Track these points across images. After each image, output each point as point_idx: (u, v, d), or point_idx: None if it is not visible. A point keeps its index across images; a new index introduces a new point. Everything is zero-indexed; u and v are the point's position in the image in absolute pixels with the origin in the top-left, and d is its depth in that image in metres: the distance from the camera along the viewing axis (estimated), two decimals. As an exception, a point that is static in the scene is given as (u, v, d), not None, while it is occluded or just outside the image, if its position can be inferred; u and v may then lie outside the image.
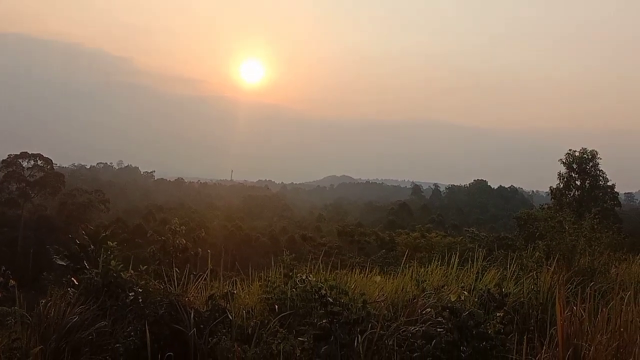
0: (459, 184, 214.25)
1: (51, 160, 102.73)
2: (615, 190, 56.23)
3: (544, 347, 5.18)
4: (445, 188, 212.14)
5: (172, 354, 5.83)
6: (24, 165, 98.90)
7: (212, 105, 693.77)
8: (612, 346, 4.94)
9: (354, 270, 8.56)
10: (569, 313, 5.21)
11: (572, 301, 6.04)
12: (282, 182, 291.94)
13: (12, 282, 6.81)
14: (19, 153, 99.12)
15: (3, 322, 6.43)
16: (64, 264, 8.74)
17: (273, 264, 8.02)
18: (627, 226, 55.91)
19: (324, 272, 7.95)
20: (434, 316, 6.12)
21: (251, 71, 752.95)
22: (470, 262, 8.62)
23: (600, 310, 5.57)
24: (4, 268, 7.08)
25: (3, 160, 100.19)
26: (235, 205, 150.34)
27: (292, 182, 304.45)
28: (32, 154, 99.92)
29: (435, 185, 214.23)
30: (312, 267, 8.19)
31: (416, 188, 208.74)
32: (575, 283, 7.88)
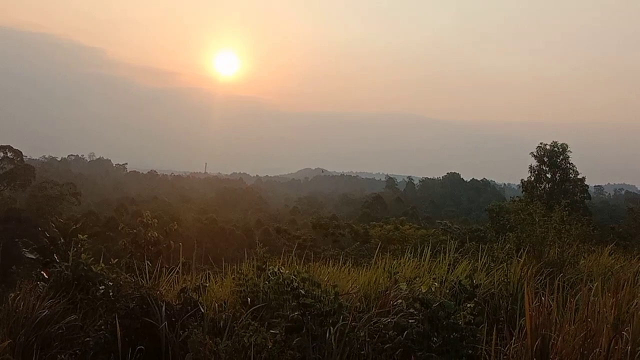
0: (432, 177, 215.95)
1: (21, 152, 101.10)
2: (585, 183, 57.11)
3: (514, 338, 5.24)
4: (419, 181, 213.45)
5: (143, 347, 5.80)
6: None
7: (186, 97, 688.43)
8: (579, 336, 5.02)
9: (327, 263, 8.58)
10: (537, 304, 5.28)
11: (541, 292, 6.12)
12: (256, 175, 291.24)
13: (-21, 276, 6.70)
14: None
15: (-30, 317, 6.32)
16: (34, 257, 8.60)
17: (246, 257, 8.00)
18: (597, 218, 56.85)
19: (297, 265, 7.95)
20: (405, 307, 6.17)
21: (226, 64, 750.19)
22: (442, 254, 8.69)
23: (568, 301, 5.66)
24: (-29, 262, 6.97)
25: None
26: (209, 198, 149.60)
27: (266, 175, 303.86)
28: (1, 145, 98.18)
29: (409, 178, 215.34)
30: (286, 260, 8.19)
31: (390, 181, 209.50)
32: (544, 274, 7.99)
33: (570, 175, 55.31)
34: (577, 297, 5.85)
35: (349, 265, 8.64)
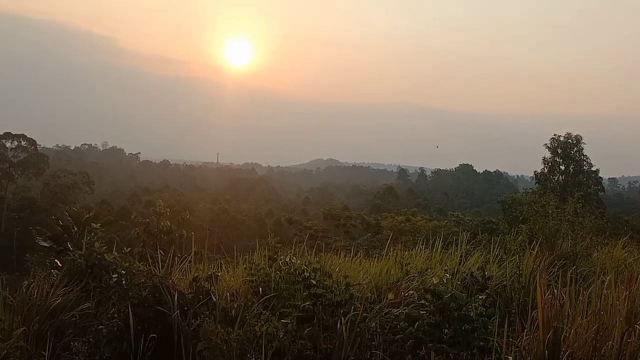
0: (444, 168, 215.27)
1: (35, 141, 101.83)
2: (599, 175, 56.74)
3: (525, 330, 5.23)
4: (431, 172, 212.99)
5: (155, 335, 5.83)
6: (7, 146, 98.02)
7: (199, 86, 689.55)
8: (591, 329, 5.00)
9: (339, 254, 8.58)
10: (550, 296, 5.26)
11: (553, 284, 6.10)
12: (268, 165, 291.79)
13: (-6, 263, 6.77)
14: (2, 133, 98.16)
15: (-15, 304, 6.39)
16: (47, 245, 8.64)
17: (258, 247, 8.01)
18: (610, 211, 56.55)
19: (308, 255, 7.96)
20: (416, 299, 6.16)
21: (239, 53, 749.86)
22: (454, 245, 8.67)
23: (581, 294, 5.63)
24: (-14, 249, 7.03)
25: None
26: (221, 188, 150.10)
27: (278, 165, 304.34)
28: (15, 134, 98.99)
29: (421, 169, 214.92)
30: (297, 250, 8.20)
31: (402, 172, 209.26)
32: (557, 267, 7.95)
33: (584, 167, 54.98)
34: (589, 290, 5.82)
35: (360, 256, 8.64)
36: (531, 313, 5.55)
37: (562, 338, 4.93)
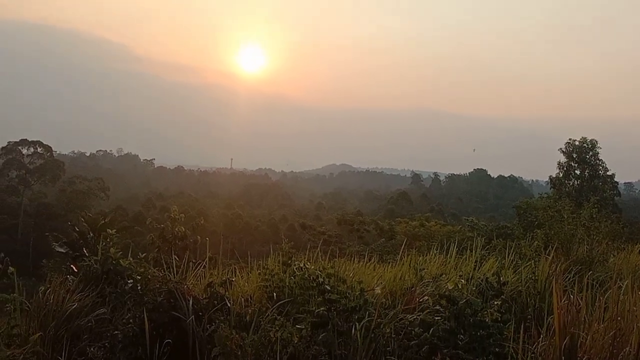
0: (458, 173, 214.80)
1: (51, 148, 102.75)
2: (615, 179, 56.22)
3: (541, 336, 5.20)
4: (445, 177, 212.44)
5: (170, 340, 5.86)
6: (23, 153, 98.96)
7: (212, 92, 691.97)
8: (608, 335, 4.95)
9: (352, 259, 8.57)
10: (566, 302, 5.22)
11: (569, 290, 6.06)
12: (282, 171, 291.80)
13: (11, 269, 6.82)
14: (18, 140, 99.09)
15: (2, 309, 6.43)
16: (64, 251, 8.72)
17: (272, 252, 8.03)
18: (627, 215, 55.98)
19: (322, 261, 7.96)
20: (431, 304, 6.14)
21: (252, 59, 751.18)
22: (469, 251, 8.63)
23: (597, 299, 5.59)
24: (3, 255, 7.11)
25: (3, 147, 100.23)
26: (235, 193, 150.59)
27: (292, 171, 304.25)
28: (32, 141, 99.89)
29: (435, 174, 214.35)
30: (311, 256, 8.20)
31: (416, 177, 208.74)
32: (573, 272, 7.89)
33: (600, 172, 54.48)
34: (606, 295, 5.77)
35: (374, 262, 8.63)
36: (547, 319, 5.52)
37: (578, 344, 4.90)
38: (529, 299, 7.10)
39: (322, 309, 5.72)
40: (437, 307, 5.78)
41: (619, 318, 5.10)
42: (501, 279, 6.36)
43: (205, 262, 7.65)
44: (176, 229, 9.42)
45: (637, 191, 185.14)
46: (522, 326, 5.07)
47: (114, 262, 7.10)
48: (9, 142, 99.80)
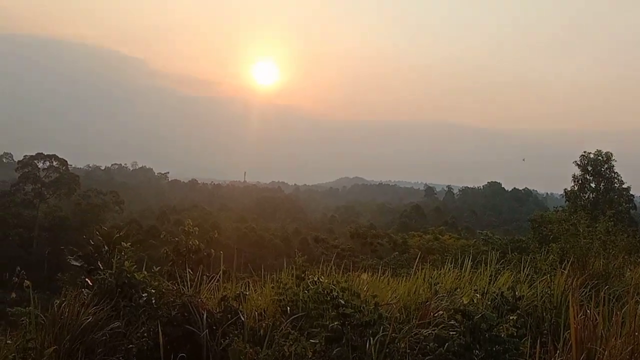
0: (472, 186, 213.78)
1: (66, 161, 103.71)
2: (631, 192, 55.76)
3: (558, 351, 5.15)
4: (459, 190, 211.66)
5: (184, 354, 5.86)
6: (39, 166, 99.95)
7: (226, 106, 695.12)
8: (626, 350, 4.90)
9: (366, 272, 8.54)
10: (582, 316, 5.18)
11: (586, 305, 6.00)
12: (295, 184, 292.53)
13: (27, 282, 6.85)
14: (34, 154, 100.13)
15: (18, 323, 6.48)
16: (78, 264, 8.73)
17: (285, 266, 8.02)
18: (643, 229, 55.31)
19: (336, 274, 7.94)
20: (446, 319, 6.10)
21: (265, 72, 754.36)
22: (483, 265, 8.58)
23: (614, 314, 5.53)
24: (19, 268, 7.13)
25: (19, 161, 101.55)
26: (248, 206, 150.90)
27: (305, 184, 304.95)
28: (47, 155, 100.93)
29: (449, 187, 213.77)
30: (325, 269, 8.18)
31: (429, 190, 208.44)
32: (589, 286, 7.82)
33: (615, 185, 54.12)
34: (623, 310, 5.71)
35: (387, 275, 8.60)
36: (563, 334, 5.47)
37: (595, 359, 4.84)
38: (544, 314, 7.04)
39: (336, 323, 5.70)
40: (452, 322, 5.74)
41: (636, 333, 5.04)
42: (516, 293, 6.32)
43: (219, 276, 7.66)
44: (190, 243, 9.44)
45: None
46: (538, 341, 5.03)
47: (128, 275, 7.12)
48: (25, 156, 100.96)
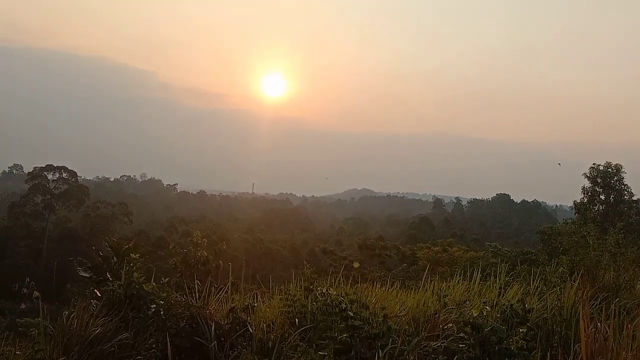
0: (481, 198, 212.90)
1: (76, 173, 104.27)
2: (641, 204, 55.35)
3: (568, 364, 5.11)
4: (468, 202, 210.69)
5: (192, 366, 5.86)
6: (49, 178, 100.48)
7: (234, 118, 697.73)
8: (637, 364, 4.86)
9: (374, 284, 8.52)
10: (593, 329, 5.14)
11: (596, 317, 5.96)
12: (303, 195, 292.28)
13: (36, 293, 6.88)
14: (44, 166, 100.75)
15: (27, 333, 6.50)
16: (87, 275, 8.75)
17: (294, 277, 8.01)
18: (654, 241, 54.87)
19: (344, 286, 7.93)
20: (455, 331, 6.07)
21: (273, 85, 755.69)
22: (492, 277, 8.54)
23: (625, 327, 5.49)
24: (28, 279, 7.17)
25: (29, 173, 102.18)
26: (256, 218, 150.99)
27: (313, 195, 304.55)
28: (57, 166, 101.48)
29: (457, 199, 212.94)
30: (333, 281, 8.17)
31: (438, 202, 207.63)
32: (599, 299, 7.76)
33: (625, 197, 53.75)
34: (634, 323, 5.67)
35: (396, 287, 8.57)
36: (574, 347, 5.43)
37: (606, 373, 4.80)
38: (554, 327, 6.99)
39: (344, 335, 5.68)
40: (462, 335, 5.71)
41: (647, 347, 5.00)
42: (526, 305, 6.28)
43: (227, 287, 7.65)
44: (198, 254, 9.47)
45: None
46: (548, 354, 5.01)
47: (137, 286, 7.13)
48: (34, 168, 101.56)
